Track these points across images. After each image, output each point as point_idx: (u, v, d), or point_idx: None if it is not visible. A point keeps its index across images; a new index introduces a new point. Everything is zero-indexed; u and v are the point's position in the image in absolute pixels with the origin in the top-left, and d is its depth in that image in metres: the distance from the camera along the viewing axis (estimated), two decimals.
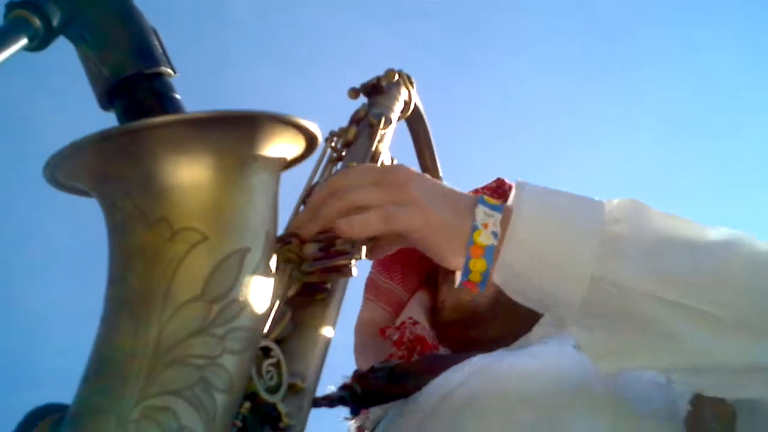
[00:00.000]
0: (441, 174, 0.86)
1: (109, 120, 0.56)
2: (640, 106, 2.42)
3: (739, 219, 2.40)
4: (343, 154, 0.70)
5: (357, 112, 0.74)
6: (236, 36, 2.25)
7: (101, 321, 0.44)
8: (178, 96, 0.56)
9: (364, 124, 0.72)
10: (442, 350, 0.90)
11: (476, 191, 1.06)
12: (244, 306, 0.44)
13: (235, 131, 0.45)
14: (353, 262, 0.54)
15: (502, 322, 0.85)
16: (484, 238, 0.54)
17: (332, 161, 0.70)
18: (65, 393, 0.45)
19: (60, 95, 1.91)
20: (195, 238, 0.43)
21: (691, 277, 0.53)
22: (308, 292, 0.55)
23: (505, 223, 0.55)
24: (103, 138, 0.43)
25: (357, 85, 0.79)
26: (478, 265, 0.55)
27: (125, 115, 0.55)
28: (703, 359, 0.53)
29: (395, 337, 0.89)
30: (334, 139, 0.71)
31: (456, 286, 0.57)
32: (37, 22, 0.51)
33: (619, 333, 0.54)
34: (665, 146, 2.40)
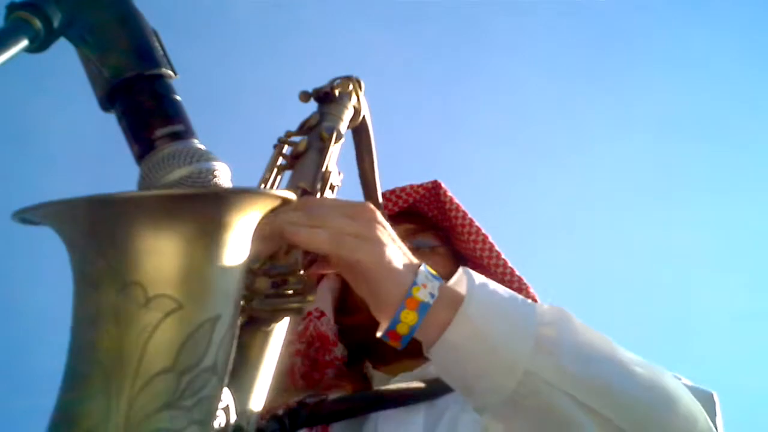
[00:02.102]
0: (378, 182, 0.87)
1: (108, 121, 0.56)
2: (639, 107, 2.42)
3: (739, 221, 2.40)
4: (293, 162, 0.71)
5: (308, 119, 0.75)
6: (236, 37, 2.25)
7: (68, 379, 0.43)
8: (178, 97, 0.56)
9: (315, 137, 0.73)
10: (339, 348, 0.96)
11: (412, 187, 1.08)
12: (212, 375, 0.44)
13: (213, 204, 0.45)
14: (303, 302, 0.56)
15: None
16: (422, 295, 0.57)
17: (281, 169, 0.71)
18: None
19: (59, 97, 1.91)
20: (170, 306, 0.42)
21: (610, 390, 0.59)
22: (255, 321, 0.56)
23: (446, 295, 0.58)
24: (77, 203, 0.42)
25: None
26: (410, 317, 0.57)
27: (125, 117, 0.55)
28: None
29: (299, 328, 0.94)
30: (284, 146, 0.72)
31: (378, 334, 0.59)
32: (37, 23, 0.51)
33: (535, 427, 0.60)
34: (664, 148, 2.40)
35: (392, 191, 1.10)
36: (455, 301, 0.58)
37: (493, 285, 0.62)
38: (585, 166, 2.41)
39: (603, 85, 2.39)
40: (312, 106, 0.78)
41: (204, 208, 0.44)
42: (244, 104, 2.21)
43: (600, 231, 2.39)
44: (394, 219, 1.05)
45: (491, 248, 1.05)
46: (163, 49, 0.57)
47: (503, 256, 1.05)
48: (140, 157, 0.54)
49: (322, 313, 0.96)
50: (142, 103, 0.54)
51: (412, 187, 1.10)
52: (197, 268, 0.43)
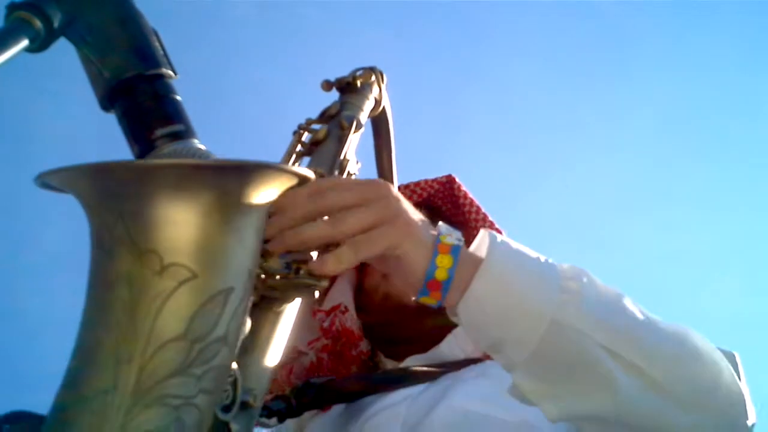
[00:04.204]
0: (396, 175, 0.87)
1: (108, 121, 0.56)
2: (639, 109, 2.42)
3: (738, 222, 2.40)
4: (312, 149, 0.72)
5: (329, 108, 0.76)
6: (236, 37, 2.25)
7: (80, 344, 0.44)
8: (178, 97, 0.56)
9: (335, 125, 0.73)
10: (364, 343, 0.97)
11: (427, 182, 1.08)
12: (223, 346, 0.44)
13: (232, 177, 0.45)
14: (317, 282, 0.55)
15: (423, 323, 0.89)
16: (450, 240, 0.57)
17: (299, 155, 0.71)
18: None
19: (60, 97, 1.91)
20: (184, 275, 0.42)
21: (637, 338, 0.59)
22: (267, 301, 0.56)
23: (469, 254, 0.58)
24: (101, 168, 0.43)
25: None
26: (445, 260, 0.57)
27: (125, 117, 0.55)
28: (629, 408, 0.59)
29: (325, 324, 0.95)
30: (304, 133, 0.73)
31: (414, 298, 0.59)
32: (38, 23, 0.51)
33: (564, 378, 0.59)
34: (664, 150, 2.40)
35: (407, 186, 1.09)
36: (478, 258, 0.58)
37: (516, 244, 0.62)
38: (585, 167, 2.41)
39: (605, 87, 2.39)
40: (323, 98, 0.78)
41: (223, 180, 0.44)
42: (244, 104, 2.21)
43: (600, 232, 2.39)
44: None
45: None
46: (163, 49, 0.57)
47: None
48: (140, 157, 0.54)
49: (347, 309, 0.96)
50: (143, 103, 0.54)
51: (426, 182, 1.10)
52: (213, 239, 0.44)
